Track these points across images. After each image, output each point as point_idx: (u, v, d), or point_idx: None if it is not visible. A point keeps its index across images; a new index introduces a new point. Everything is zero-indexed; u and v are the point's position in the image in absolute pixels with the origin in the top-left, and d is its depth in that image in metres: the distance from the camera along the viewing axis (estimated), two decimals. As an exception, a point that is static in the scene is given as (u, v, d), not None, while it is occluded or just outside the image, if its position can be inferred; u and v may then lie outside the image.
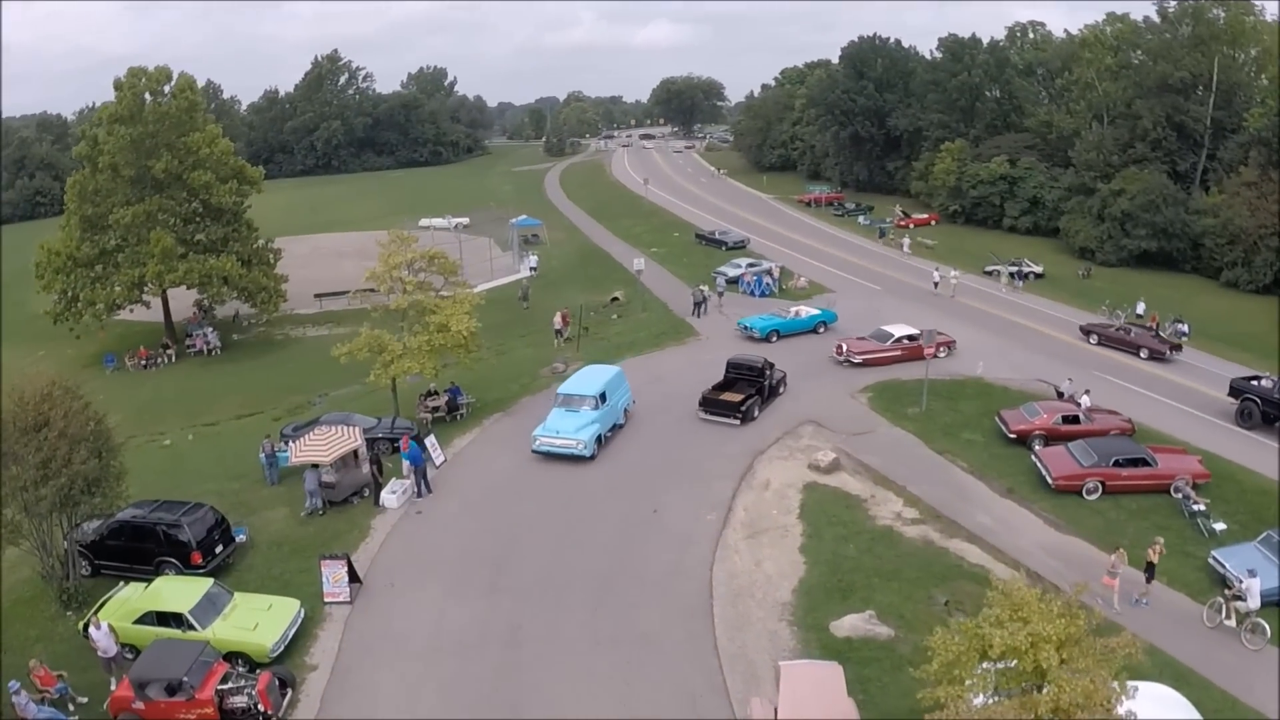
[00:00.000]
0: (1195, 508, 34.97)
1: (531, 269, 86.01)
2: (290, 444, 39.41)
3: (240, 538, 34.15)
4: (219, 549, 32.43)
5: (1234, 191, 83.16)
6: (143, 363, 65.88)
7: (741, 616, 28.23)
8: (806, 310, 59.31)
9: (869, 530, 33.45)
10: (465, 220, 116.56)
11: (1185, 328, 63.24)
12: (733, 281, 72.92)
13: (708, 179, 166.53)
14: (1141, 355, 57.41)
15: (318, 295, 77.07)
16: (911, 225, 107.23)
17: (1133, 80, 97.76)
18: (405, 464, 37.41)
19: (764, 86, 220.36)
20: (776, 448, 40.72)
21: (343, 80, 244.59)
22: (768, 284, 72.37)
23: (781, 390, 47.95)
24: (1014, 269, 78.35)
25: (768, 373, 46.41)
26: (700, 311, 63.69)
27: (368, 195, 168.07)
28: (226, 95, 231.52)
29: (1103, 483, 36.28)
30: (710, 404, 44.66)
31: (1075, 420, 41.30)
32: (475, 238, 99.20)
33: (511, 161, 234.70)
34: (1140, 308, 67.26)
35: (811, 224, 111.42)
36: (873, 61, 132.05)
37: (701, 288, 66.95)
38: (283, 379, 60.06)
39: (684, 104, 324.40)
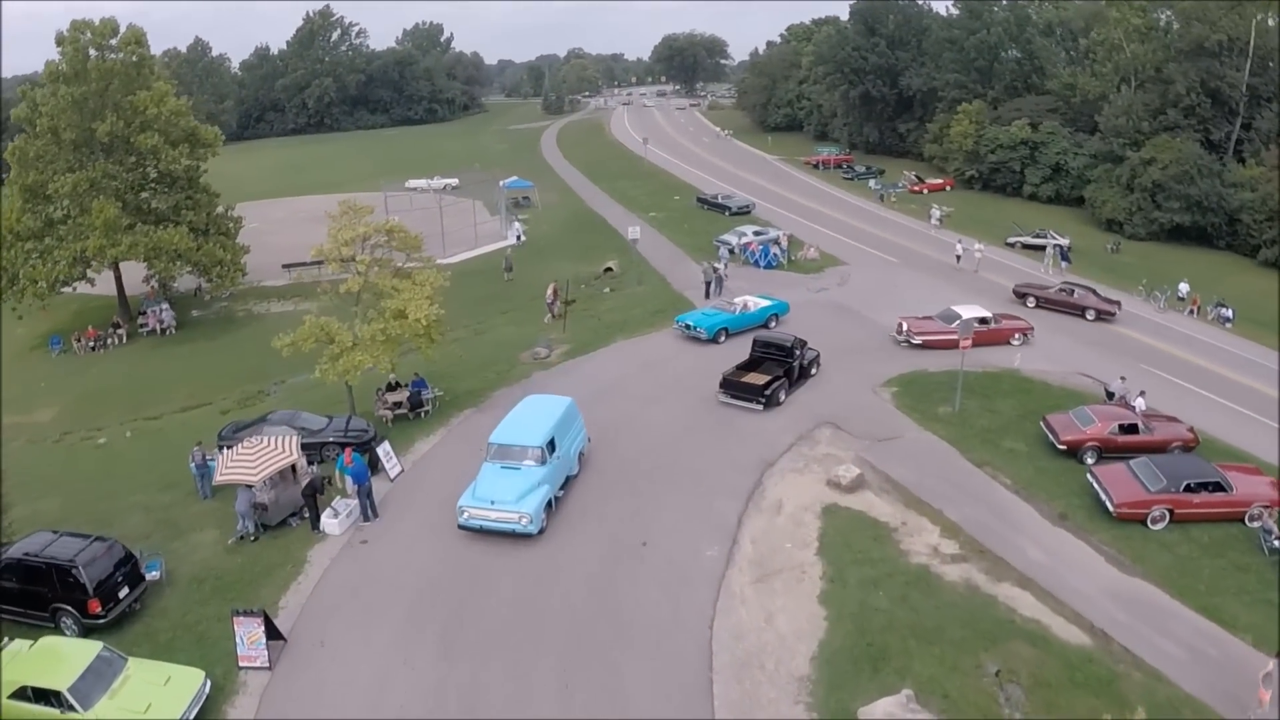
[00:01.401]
0: (1277, 543, 29.51)
1: (518, 237, 79.90)
2: (221, 453, 34.09)
3: (153, 574, 28.64)
4: (124, 593, 26.91)
5: (1274, 164, 77.53)
6: (91, 344, 59.88)
7: (749, 696, 22.72)
8: (755, 302, 51.00)
9: (902, 571, 27.88)
10: (454, 181, 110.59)
11: (1229, 312, 57.78)
12: (733, 251, 67.02)
13: (710, 139, 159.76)
14: (1088, 317, 54.77)
15: (286, 265, 71.10)
16: (925, 190, 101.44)
17: (1163, 43, 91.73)
18: (348, 481, 31.92)
19: (769, 44, 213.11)
20: (789, 457, 35.08)
21: (335, 36, 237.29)
22: (775, 254, 66.56)
23: (814, 372, 43.25)
24: (1057, 243, 72.15)
25: (798, 352, 41.81)
26: (711, 292, 56.88)
27: (357, 154, 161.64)
28: (216, 53, 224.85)
29: (1170, 510, 30.85)
30: (731, 386, 40.19)
31: (1134, 430, 35.70)
32: (462, 200, 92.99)
33: (509, 120, 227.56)
34: (1183, 289, 61.46)
35: (820, 187, 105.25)
36: (884, 18, 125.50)
37: (714, 265, 60.26)
38: (239, 362, 54.18)
39: (686, 62, 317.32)
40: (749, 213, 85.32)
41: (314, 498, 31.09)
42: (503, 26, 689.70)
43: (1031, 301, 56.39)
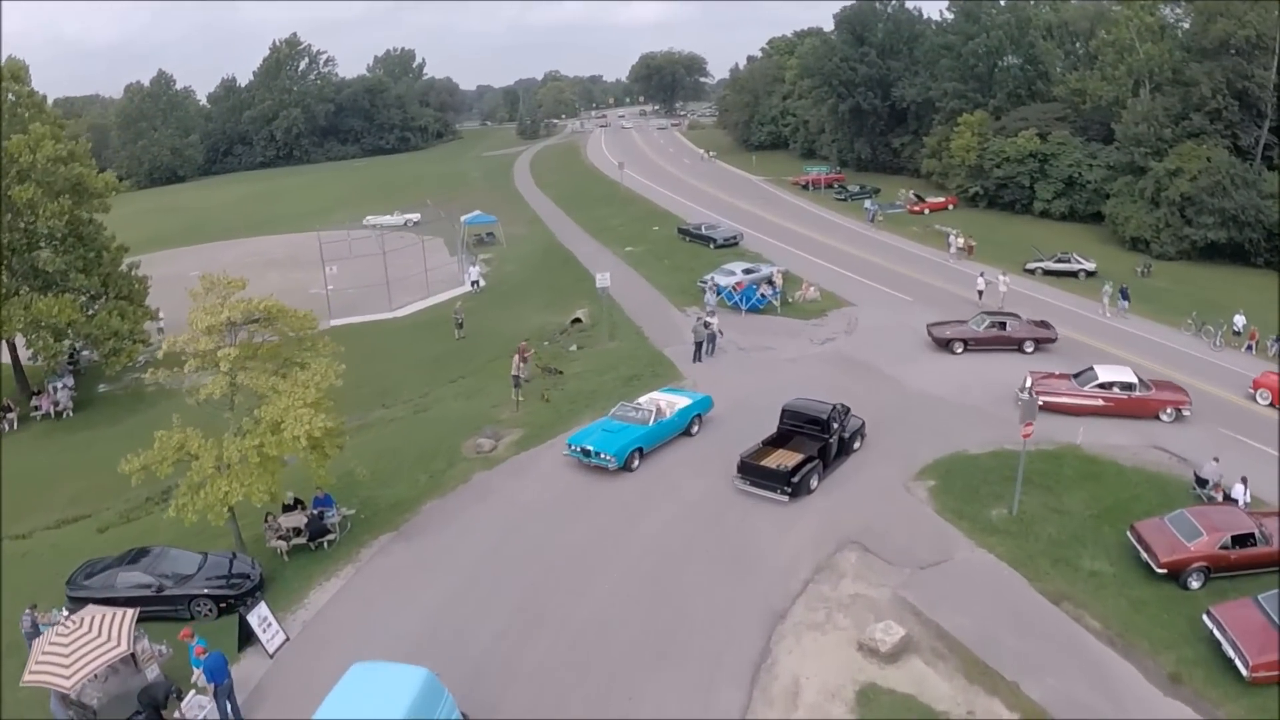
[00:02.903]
0: None
1: (475, 283, 70.95)
2: (60, 614, 25.67)
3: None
4: None
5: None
6: (-20, 432, 50.35)
7: None
8: (671, 402, 38.15)
9: (979, 802, 19.44)
10: (415, 217, 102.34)
11: (1291, 348, 49.76)
12: (720, 293, 57.63)
13: (691, 160, 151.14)
14: (1027, 350, 47.81)
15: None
16: (926, 210, 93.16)
17: (1180, 42, 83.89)
18: (197, 671, 23.34)
19: (750, 58, 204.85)
20: (805, 602, 26.33)
21: (303, 65, 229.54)
22: (764, 294, 57.73)
23: (857, 446, 35.61)
24: (1081, 267, 63.72)
25: (835, 425, 33.92)
26: (703, 354, 47.72)
27: (320, 187, 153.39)
28: (180, 86, 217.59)
29: (1318, 666, 22.67)
30: (750, 471, 32.65)
31: (1250, 540, 27.24)
32: (425, 238, 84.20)
33: (483, 146, 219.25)
34: (1239, 321, 53.21)
35: (812, 211, 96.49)
36: (873, 25, 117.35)
37: (706, 319, 50.21)
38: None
39: (665, 81, 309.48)
40: (736, 244, 76.76)
41: (155, 710, 22.39)
42: (482, 51, 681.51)
43: (960, 347, 47.96)
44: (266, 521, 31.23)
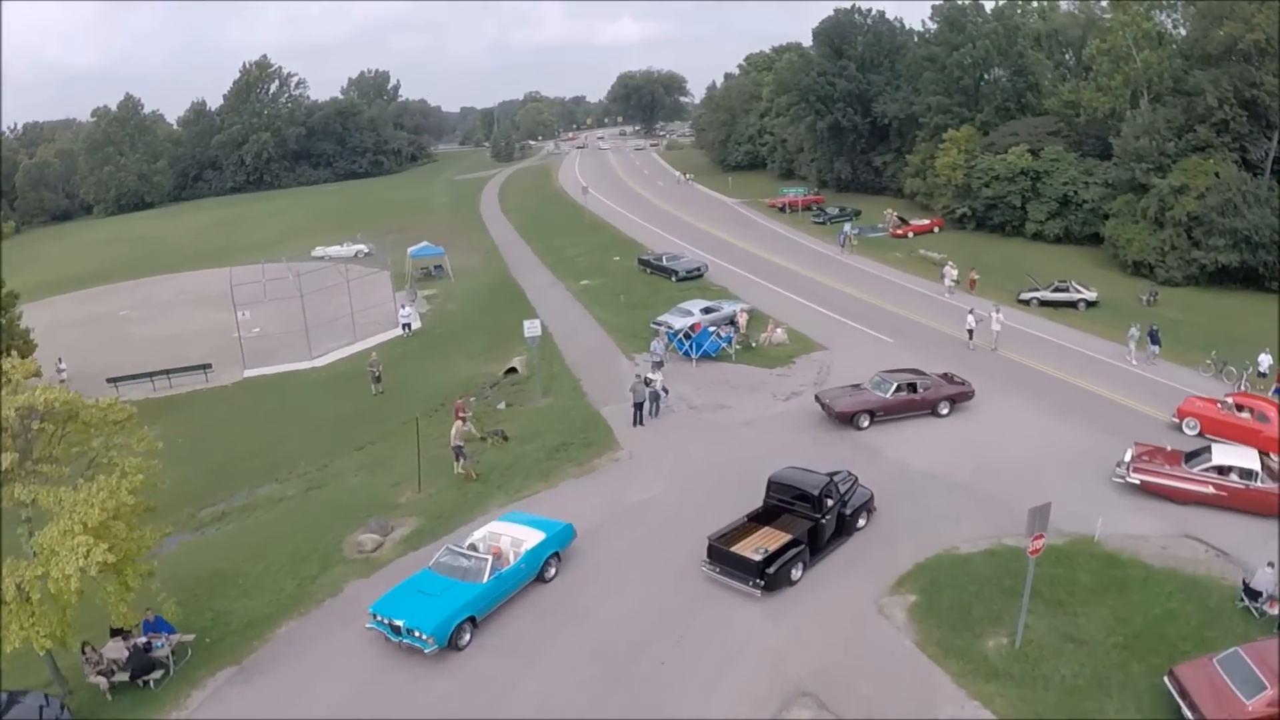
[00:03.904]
0: None
1: (406, 326, 64.02)
2: None
3: None
4: None
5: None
6: None
7: None
8: (519, 538, 28.10)
9: None
10: (364, 248, 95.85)
11: (1317, 393, 42.94)
12: (671, 339, 50.52)
13: (666, 183, 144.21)
14: (942, 411, 40.24)
15: (112, 380, 55.47)
16: (910, 233, 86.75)
17: (1180, 49, 77.74)
18: None
19: (727, 75, 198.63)
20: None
21: (273, 88, 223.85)
22: (720, 338, 50.29)
23: (862, 524, 30.10)
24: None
25: (829, 502, 28.44)
26: (644, 415, 40.45)
27: (284, 214, 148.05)
28: (153, 110, 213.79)
29: None
30: (720, 558, 27.28)
31: (1332, 691, 20.51)
32: (349, 273, 77.25)
33: (457, 169, 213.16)
34: (1265, 361, 46.43)
35: (787, 236, 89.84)
36: (853, 37, 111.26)
37: (648, 375, 42.90)
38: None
39: (643, 100, 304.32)
40: (700, 276, 69.89)
41: None
42: (470, 74, 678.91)
43: (865, 420, 39.23)
44: (84, 652, 24.42)
